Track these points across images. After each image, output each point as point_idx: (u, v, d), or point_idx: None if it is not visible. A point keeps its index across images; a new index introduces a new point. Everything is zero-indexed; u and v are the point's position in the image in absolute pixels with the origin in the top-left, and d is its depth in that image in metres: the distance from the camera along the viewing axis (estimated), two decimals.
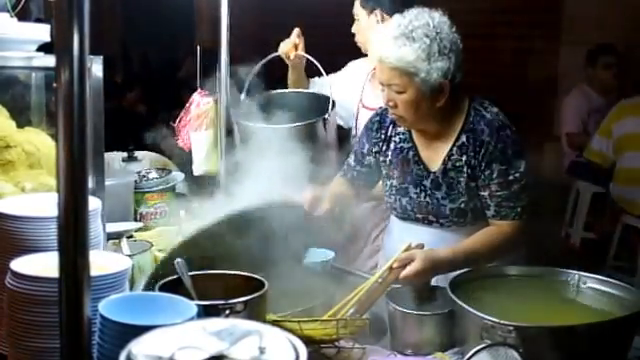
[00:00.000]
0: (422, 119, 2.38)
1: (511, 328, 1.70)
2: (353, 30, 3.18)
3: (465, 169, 2.38)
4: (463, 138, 2.38)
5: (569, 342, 1.72)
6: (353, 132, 3.19)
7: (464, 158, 2.38)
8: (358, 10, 3.14)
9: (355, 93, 3.19)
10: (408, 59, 2.24)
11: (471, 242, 2.35)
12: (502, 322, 1.72)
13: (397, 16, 2.33)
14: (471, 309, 1.79)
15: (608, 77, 6.06)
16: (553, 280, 2.07)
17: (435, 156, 2.45)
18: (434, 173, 2.44)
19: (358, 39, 3.17)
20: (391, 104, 2.36)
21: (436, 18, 2.29)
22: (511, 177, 2.34)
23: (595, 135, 5.41)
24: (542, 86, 7.20)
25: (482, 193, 2.39)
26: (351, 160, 2.66)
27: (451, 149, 2.40)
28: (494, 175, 2.35)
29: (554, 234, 6.22)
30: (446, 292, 1.94)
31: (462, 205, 2.42)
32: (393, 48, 2.26)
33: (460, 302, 1.84)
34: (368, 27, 3.10)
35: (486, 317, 1.75)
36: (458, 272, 2.31)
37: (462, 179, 2.39)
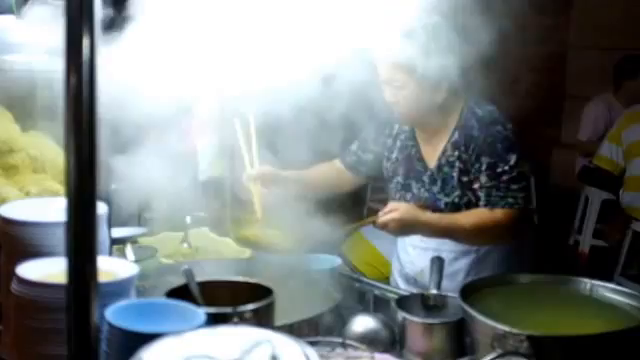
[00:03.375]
0: (422, 116, 2.51)
1: (523, 337, 1.67)
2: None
3: (457, 164, 2.49)
4: (456, 135, 2.50)
5: (582, 351, 1.69)
6: None
7: (456, 154, 2.49)
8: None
9: None
10: (408, 56, 2.33)
11: (460, 216, 2.47)
12: (514, 331, 1.69)
13: (397, 15, 2.38)
14: (482, 317, 1.77)
15: None
16: (565, 288, 2.04)
17: (433, 153, 2.57)
18: (430, 169, 2.56)
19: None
20: (392, 100, 2.48)
21: (435, 18, 2.38)
22: (499, 169, 2.43)
23: (604, 142, 5.37)
24: (551, 91, 7.15)
25: (474, 186, 2.48)
26: (354, 146, 2.79)
27: (445, 146, 2.52)
28: (482, 168, 2.44)
29: (562, 241, 6.19)
30: (456, 300, 1.92)
31: (456, 199, 2.51)
32: (392, 45, 2.36)
33: (471, 310, 1.81)
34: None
35: (498, 326, 1.72)
36: (469, 280, 2.36)
37: (455, 174, 2.50)
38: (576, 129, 6.35)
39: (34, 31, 2.21)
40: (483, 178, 2.45)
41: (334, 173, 2.85)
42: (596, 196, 5.90)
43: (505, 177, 2.43)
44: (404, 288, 2.66)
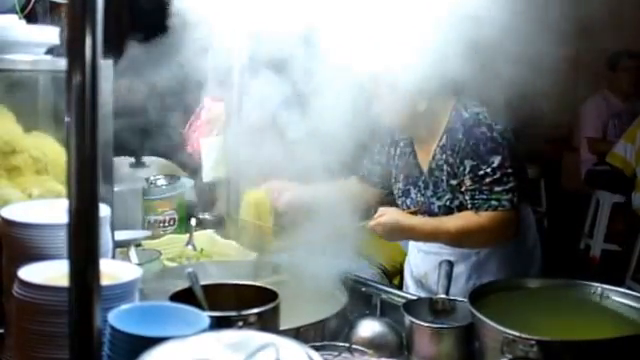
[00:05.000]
0: (407, 123, 2.55)
1: (533, 342, 1.66)
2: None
3: (445, 168, 2.51)
4: (444, 139, 2.52)
5: (593, 357, 1.67)
6: None
7: (444, 157, 2.51)
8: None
9: None
10: (383, 67, 2.39)
11: (446, 219, 2.51)
12: (524, 336, 1.67)
13: (372, 27, 2.44)
14: (491, 322, 1.75)
15: (628, 82, 6.00)
16: (575, 293, 2.02)
17: (425, 158, 2.60)
18: (424, 174, 2.59)
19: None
20: (377, 111, 2.54)
21: (412, 27, 2.36)
22: (482, 172, 2.43)
23: (620, 140, 5.35)
24: (562, 94, 7.09)
25: (461, 189, 2.49)
26: (365, 160, 2.84)
27: (435, 150, 2.54)
28: (466, 170, 2.45)
29: (573, 245, 6.13)
30: (465, 305, 1.90)
31: (447, 203, 2.53)
32: (369, 58, 2.41)
33: (480, 315, 1.79)
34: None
35: (507, 331, 1.70)
36: (470, 283, 2.36)
37: (444, 178, 2.52)
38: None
39: (36, 30, 2.19)
40: (467, 181, 2.46)
41: (353, 188, 2.87)
42: (607, 199, 5.85)
43: (488, 179, 2.43)
44: (413, 291, 2.68)
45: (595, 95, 6.21)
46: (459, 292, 2.20)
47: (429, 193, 2.58)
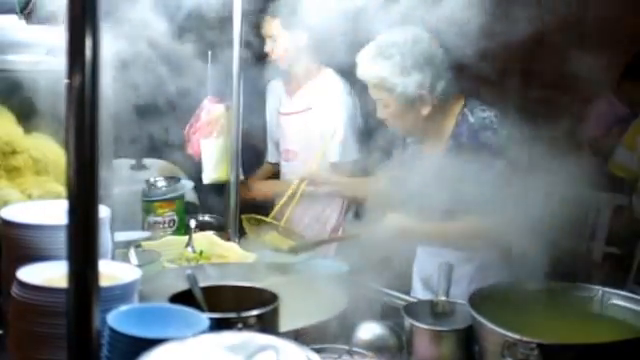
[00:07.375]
0: (412, 128, 2.58)
1: (534, 345, 1.65)
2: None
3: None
4: (450, 142, 2.54)
5: None
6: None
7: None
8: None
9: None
10: (383, 75, 2.43)
11: (446, 223, 2.53)
12: (524, 339, 1.67)
13: (378, 35, 2.52)
14: (492, 325, 1.74)
15: None
16: (576, 296, 2.02)
17: None
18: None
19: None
20: (382, 117, 2.57)
21: (413, 34, 2.44)
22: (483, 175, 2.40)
23: (619, 147, 5.30)
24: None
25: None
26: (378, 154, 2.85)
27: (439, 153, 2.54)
28: (469, 174, 2.41)
29: (574, 248, 6.09)
30: (465, 307, 1.89)
31: (452, 206, 2.48)
32: (369, 66, 2.46)
33: (480, 318, 1.79)
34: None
35: (508, 333, 1.69)
36: (473, 286, 2.36)
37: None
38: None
39: (37, 31, 2.19)
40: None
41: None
42: (609, 201, 5.82)
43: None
44: (421, 292, 2.71)
45: (600, 100, 6.12)
46: (462, 294, 2.18)
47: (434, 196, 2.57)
